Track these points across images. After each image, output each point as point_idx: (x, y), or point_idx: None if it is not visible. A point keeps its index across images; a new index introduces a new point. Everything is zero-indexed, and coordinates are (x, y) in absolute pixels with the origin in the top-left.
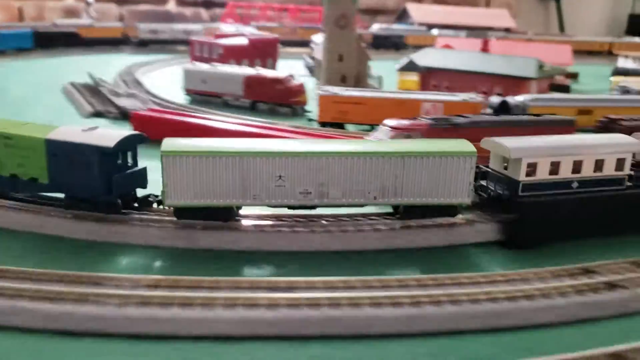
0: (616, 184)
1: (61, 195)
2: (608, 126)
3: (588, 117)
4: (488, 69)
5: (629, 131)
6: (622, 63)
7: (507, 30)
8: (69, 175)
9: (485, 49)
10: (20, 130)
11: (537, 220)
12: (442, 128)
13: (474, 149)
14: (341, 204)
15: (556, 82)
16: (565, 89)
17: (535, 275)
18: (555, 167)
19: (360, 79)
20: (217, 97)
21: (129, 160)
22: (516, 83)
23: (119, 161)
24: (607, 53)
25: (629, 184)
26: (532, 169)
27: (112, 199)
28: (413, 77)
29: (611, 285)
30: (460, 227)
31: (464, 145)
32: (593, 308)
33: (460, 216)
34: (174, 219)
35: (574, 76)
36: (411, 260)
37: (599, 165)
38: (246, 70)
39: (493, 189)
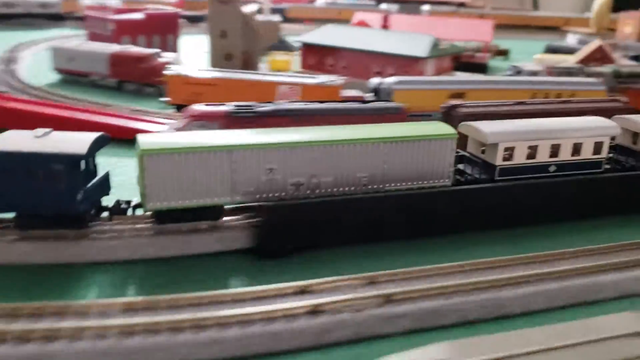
0: (594, 167)
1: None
2: (449, 112)
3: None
4: (381, 48)
5: (462, 119)
6: (571, 40)
7: (461, 4)
8: (24, 190)
9: (385, 25)
10: None
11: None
12: (243, 117)
13: (454, 132)
14: (331, 194)
15: (474, 60)
16: (480, 67)
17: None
18: (532, 151)
19: (249, 59)
20: (85, 77)
21: (92, 165)
22: (408, 63)
23: (85, 168)
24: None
25: (606, 166)
26: (509, 153)
27: (80, 213)
28: (284, 57)
29: (314, 311)
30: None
31: (444, 127)
32: (288, 338)
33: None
34: (151, 225)
35: (503, 53)
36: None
37: (577, 148)
38: (112, 48)
39: (470, 173)
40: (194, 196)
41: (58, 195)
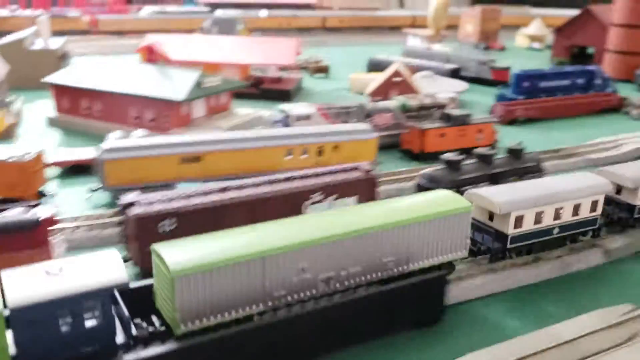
0: (591, 224)
1: None
2: (123, 211)
3: (198, 167)
4: (138, 88)
5: (139, 223)
6: (411, 43)
7: (308, 6)
8: (48, 341)
9: (151, 58)
10: None
11: None
12: None
13: (470, 204)
14: (359, 283)
15: (278, 86)
16: (283, 95)
17: None
18: (539, 216)
19: None
20: None
21: None
22: (168, 106)
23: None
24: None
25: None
26: (519, 221)
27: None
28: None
29: None
30: None
31: (459, 200)
32: None
33: None
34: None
35: (323, 70)
36: None
37: (576, 209)
38: None
39: (481, 241)
40: (226, 310)
41: (90, 333)
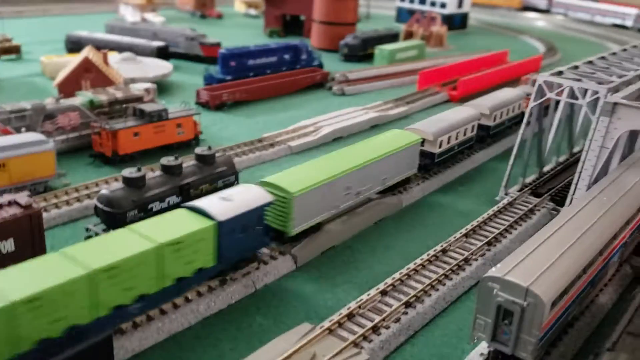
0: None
1: None
2: None
3: None
4: None
5: None
6: (123, 12)
7: None
8: (237, 245)
9: None
10: (181, 230)
11: None
12: None
13: (420, 137)
14: (368, 195)
15: None
16: None
17: None
18: (449, 139)
19: None
20: None
21: None
22: None
23: None
24: None
25: None
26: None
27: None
28: None
29: None
30: None
31: (413, 136)
32: None
33: None
34: None
35: (14, 50)
36: None
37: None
38: None
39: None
40: (315, 216)
41: (258, 237)
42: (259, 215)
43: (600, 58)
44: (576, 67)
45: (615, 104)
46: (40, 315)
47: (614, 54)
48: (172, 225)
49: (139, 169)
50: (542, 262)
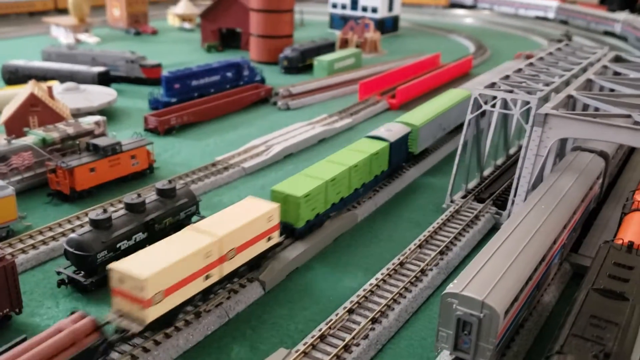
0: None
1: None
2: None
3: None
4: None
5: None
6: (55, 34)
7: None
8: (397, 157)
9: None
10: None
11: None
12: None
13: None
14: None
15: None
16: None
17: None
18: None
19: None
20: None
21: None
22: None
23: None
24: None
25: None
26: None
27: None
28: None
29: None
30: None
31: (466, 92)
32: None
33: None
34: None
35: None
36: None
37: None
38: None
39: None
40: (428, 143)
41: (403, 153)
42: (405, 140)
43: (529, 65)
44: (507, 77)
45: (547, 114)
46: (309, 205)
47: (541, 59)
48: (367, 146)
49: (105, 210)
50: (493, 274)
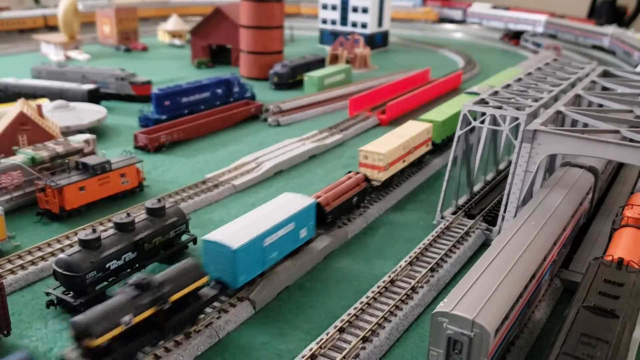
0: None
1: None
2: None
3: None
4: None
5: None
6: (45, 50)
7: None
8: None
9: None
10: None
11: None
12: None
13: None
14: None
15: None
16: None
17: None
18: None
19: None
20: None
21: None
22: None
23: None
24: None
25: None
26: None
27: None
28: None
29: None
30: None
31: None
32: None
33: None
34: None
35: None
36: None
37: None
38: None
39: None
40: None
41: None
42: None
43: (517, 80)
44: (496, 93)
45: (536, 131)
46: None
47: (530, 74)
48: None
49: (94, 230)
50: (484, 293)
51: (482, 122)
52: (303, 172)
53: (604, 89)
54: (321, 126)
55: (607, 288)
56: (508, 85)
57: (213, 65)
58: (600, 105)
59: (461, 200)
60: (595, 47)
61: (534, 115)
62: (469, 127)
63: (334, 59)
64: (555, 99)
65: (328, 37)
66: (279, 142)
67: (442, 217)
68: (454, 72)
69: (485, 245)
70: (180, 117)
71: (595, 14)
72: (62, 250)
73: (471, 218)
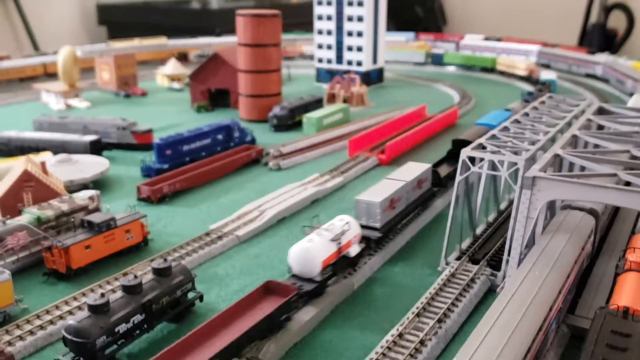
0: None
1: None
2: None
3: None
4: None
5: None
6: (46, 99)
7: None
8: None
9: None
10: None
11: None
12: None
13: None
14: None
15: None
16: None
17: None
18: None
19: None
20: None
21: None
22: None
23: None
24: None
25: None
26: None
27: None
28: None
29: None
30: None
31: None
32: None
33: None
34: None
35: None
36: None
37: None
38: None
39: None
40: None
41: None
42: None
43: (514, 122)
44: (494, 137)
45: (535, 177)
46: None
47: (526, 114)
48: None
49: (102, 295)
50: (493, 349)
51: (481, 167)
52: (306, 218)
53: (600, 127)
54: (322, 169)
55: (615, 340)
56: (505, 128)
57: (212, 108)
58: (597, 146)
59: (464, 244)
60: (588, 75)
61: (532, 158)
62: (468, 173)
63: (332, 98)
64: (553, 139)
65: (324, 75)
66: (281, 188)
67: (447, 263)
68: (450, 107)
69: (490, 290)
70: (182, 165)
71: (587, 39)
72: (70, 313)
73: (475, 263)
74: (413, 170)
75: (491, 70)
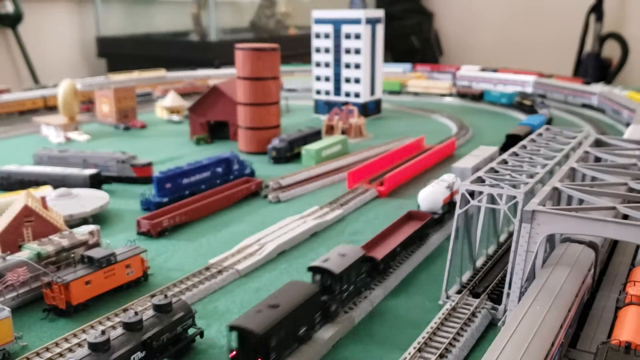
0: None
1: None
2: None
3: None
4: None
5: None
6: (46, 132)
7: None
8: None
9: None
10: None
11: None
12: None
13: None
14: None
15: None
16: None
17: None
18: None
19: None
20: None
21: None
22: None
23: None
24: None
25: None
26: None
27: None
28: None
29: None
30: None
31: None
32: None
33: None
34: None
35: None
36: None
37: None
38: None
39: None
40: None
41: None
42: None
43: (512, 154)
44: (492, 170)
45: (534, 211)
46: None
47: (524, 147)
48: None
49: (103, 332)
50: None
51: (480, 200)
52: (306, 251)
53: (597, 159)
54: (321, 201)
55: None
56: (504, 161)
57: (211, 140)
58: (595, 178)
59: (465, 277)
60: (584, 105)
61: (530, 192)
62: (467, 207)
63: (330, 130)
64: (551, 172)
65: (322, 106)
66: (281, 220)
67: (448, 297)
68: (447, 138)
69: (491, 324)
70: (182, 199)
71: (581, 68)
72: (70, 350)
73: (476, 297)
74: (485, 151)
75: (415, 94)
